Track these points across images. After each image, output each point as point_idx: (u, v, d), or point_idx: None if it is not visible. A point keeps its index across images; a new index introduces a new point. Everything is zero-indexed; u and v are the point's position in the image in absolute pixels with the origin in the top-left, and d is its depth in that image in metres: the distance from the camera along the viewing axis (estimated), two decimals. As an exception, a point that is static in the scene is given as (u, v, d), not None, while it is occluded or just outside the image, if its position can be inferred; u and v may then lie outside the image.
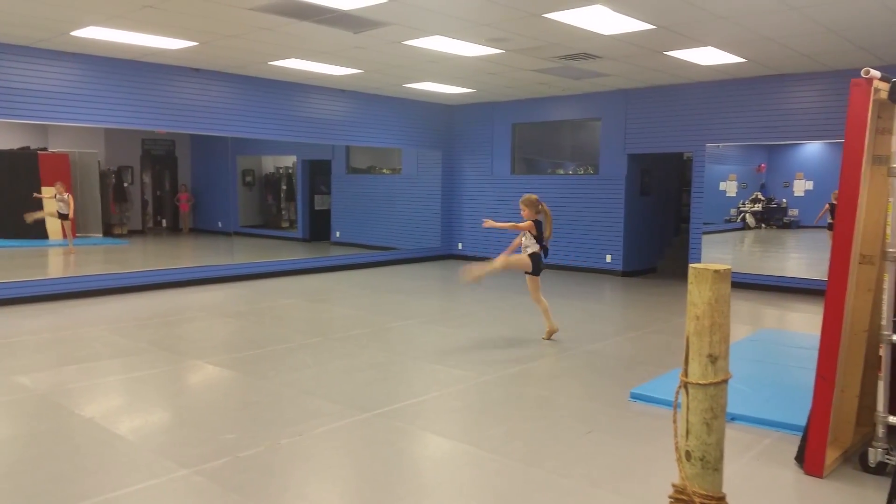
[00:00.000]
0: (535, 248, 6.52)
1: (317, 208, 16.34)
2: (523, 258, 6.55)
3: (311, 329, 7.33)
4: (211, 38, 7.92)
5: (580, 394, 5.10)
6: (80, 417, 4.37)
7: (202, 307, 8.43)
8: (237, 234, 17.20)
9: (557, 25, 7.01)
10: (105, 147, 16.88)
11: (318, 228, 16.08)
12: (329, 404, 4.70)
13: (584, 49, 8.15)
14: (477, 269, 6.53)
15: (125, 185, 17.16)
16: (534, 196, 6.59)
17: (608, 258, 11.60)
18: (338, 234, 15.52)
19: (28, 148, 15.39)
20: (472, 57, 8.63)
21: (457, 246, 13.82)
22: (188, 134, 17.16)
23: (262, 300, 8.95)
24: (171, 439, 4.06)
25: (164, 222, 18.32)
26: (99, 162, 16.18)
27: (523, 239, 6.64)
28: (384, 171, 15.25)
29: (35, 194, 12.27)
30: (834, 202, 10.38)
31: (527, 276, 6.66)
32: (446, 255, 13.81)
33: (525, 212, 6.55)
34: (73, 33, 7.66)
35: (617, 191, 11.47)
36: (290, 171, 17.19)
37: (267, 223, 17.89)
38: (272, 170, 17.99)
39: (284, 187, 17.48)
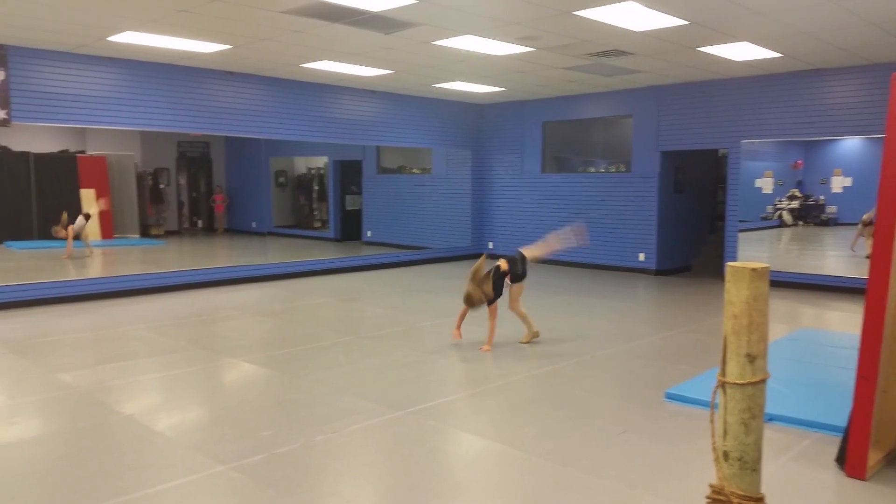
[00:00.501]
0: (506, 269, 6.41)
1: (348, 208, 16.46)
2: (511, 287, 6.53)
3: (343, 328, 7.39)
4: (244, 41, 8.03)
5: (614, 394, 5.06)
6: (119, 414, 4.47)
7: (237, 306, 8.55)
8: (271, 234, 17.42)
9: (589, 23, 6.96)
10: (141, 149, 17.23)
11: (350, 228, 16.20)
12: (362, 402, 4.73)
13: (616, 46, 8.08)
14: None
15: (161, 186, 17.49)
16: (475, 269, 6.25)
17: (641, 257, 11.48)
18: (369, 233, 15.62)
19: (67, 151, 15.77)
20: (503, 56, 8.62)
21: (487, 245, 13.80)
22: (222, 136, 17.45)
23: (296, 299, 9.05)
24: (208, 436, 4.14)
25: (199, 223, 18.63)
26: (136, 164, 16.52)
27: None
28: (414, 170, 15.30)
29: (86, 212, 12.47)
30: (867, 223, 10.10)
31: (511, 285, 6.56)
32: (477, 253, 13.76)
33: (477, 295, 6.21)
34: (110, 38, 7.82)
35: (650, 188, 11.34)
36: (322, 171, 17.34)
37: (299, 223, 18.07)
38: (304, 171, 18.17)
39: (316, 188, 17.64)
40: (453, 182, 13.98)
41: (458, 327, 6.44)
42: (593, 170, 12.86)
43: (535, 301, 8.89)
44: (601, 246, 11.94)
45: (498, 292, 6.28)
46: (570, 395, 4.97)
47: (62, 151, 15.67)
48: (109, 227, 15.38)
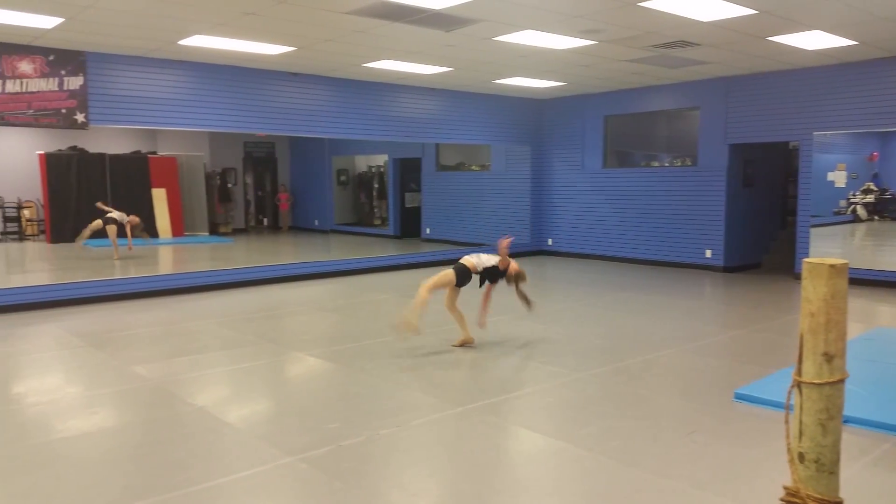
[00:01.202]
0: (483, 265, 6.03)
1: (407, 206, 16.59)
2: (449, 273, 6.01)
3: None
4: (308, 43, 8.19)
5: (681, 393, 4.96)
6: (191, 406, 4.63)
7: (302, 302, 8.74)
8: (332, 231, 17.72)
9: (654, 14, 6.81)
10: (210, 150, 17.78)
11: (409, 225, 16.34)
12: (425, 397, 4.77)
13: (682, 37, 7.89)
14: (409, 314, 5.89)
15: (229, 186, 18.02)
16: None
17: (708, 253, 11.18)
18: (428, 230, 15.70)
19: (139, 152, 16.42)
20: (564, 49, 8.53)
21: (546, 242, 13.70)
22: (287, 136, 17.85)
23: (358, 295, 9.18)
24: (276, 428, 4.25)
25: (265, 221, 19.11)
26: (204, 164, 17.06)
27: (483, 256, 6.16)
28: (473, 167, 15.30)
29: (98, 204, 12.24)
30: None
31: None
32: (536, 250, 13.71)
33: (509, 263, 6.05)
34: (181, 42, 8.10)
35: (717, 182, 11.03)
36: (382, 169, 17.54)
37: (360, 221, 18.33)
38: (365, 169, 18.41)
39: (376, 186, 17.86)
40: (512, 178, 13.91)
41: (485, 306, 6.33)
42: (657, 164, 12.59)
43: (595, 298, 8.79)
44: (665, 242, 11.70)
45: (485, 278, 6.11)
46: (634, 394, 4.89)
47: (135, 152, 16.32)
48: (180, 225, 15.94)
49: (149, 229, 15.34)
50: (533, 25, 7.35)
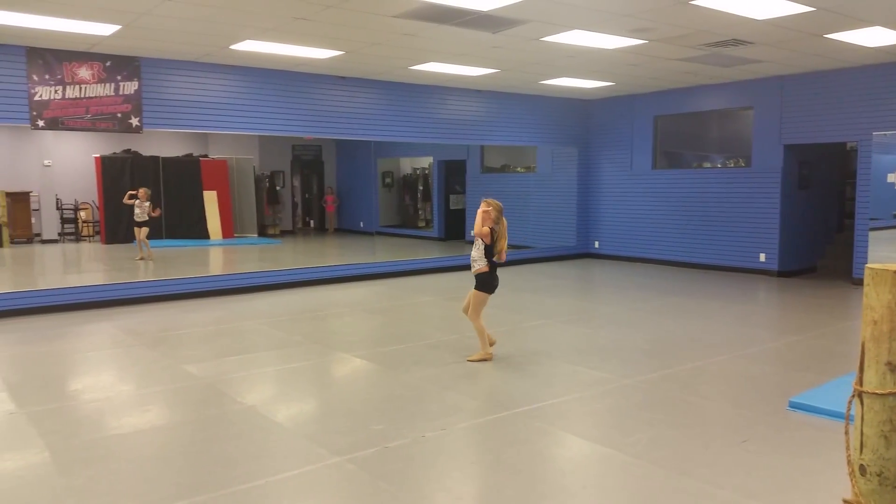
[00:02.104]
0: (482, 263, 5.73)
1: (452, 208, 16.61)
2: (472, 294, 5.76)
3: (448, 326, 7.46)
4: (357, 47, 8.27)
5: (733, 401, 4.83)
6: (241, 405, 4.71)
7: (347, 303, 8.82)
8: (377, 233, 17.86)
9: (706, 12, 6.67)
10: (259, 153, 18.12)
11: (454, 227, 16.35)
12: (470, 401, 4.75)
13: (735, 35, 7.71)
14: (482, 348, 5.80)
15: (277, 188, 18.32)
16: (500, 204, 5.79)
17: (762, 257, 10.89)
18: (472, 233, 15.67)
19: (191, 155, 16.82)
20: (613, 49, 8.42)
21: (593, 244, 13.53)
22: (333, 139, 18.07)
23: (402, 297, 9.22)
24: (323, 428, 4.29)
25: (311, 223, 19.37)
26: (254, 167, 17.38)
27: (473, 251, 5.84)
28: (518, 169, 15.24)
29: (127, 199, 12.30)
30: None
31: (473, 291, 5.80)
32: (583, 253, 13.56)
33: (486, 214, 5.66)
34: (233, 47, 8.26)
35: (772, 184, 10.74)
36: (427, 171, 17.59)
37: (404, 223, 18.43)
38: (409, 171, 18.50)
39: (421, 188, 17.92)
40: (558, 180, 13.80)
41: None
42: (709, 165, 12.33)
43: (644, 303, 8.64)
44: (717, 245, 11.44)
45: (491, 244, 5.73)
46: (684, 402, 4.79)
47: (187, 155, 16.73)
48: (230, 226, 16.27)
49: (200, 231, 15.74)
50: (581, 25, 7.28)
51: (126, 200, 12.23)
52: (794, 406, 4.57)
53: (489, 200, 5.76)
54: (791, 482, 3.48)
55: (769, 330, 7.43)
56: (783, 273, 10.73)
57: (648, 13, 6.77)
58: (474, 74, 10.22)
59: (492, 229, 5.70)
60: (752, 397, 4.87)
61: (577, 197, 13.50)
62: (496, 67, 9.70)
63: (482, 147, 15.34)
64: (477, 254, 5.78)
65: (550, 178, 13.99)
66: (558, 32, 7.57)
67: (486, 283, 5.76)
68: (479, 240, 5.73)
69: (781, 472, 3.61)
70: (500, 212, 5.76)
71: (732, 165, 11.63)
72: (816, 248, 11.48)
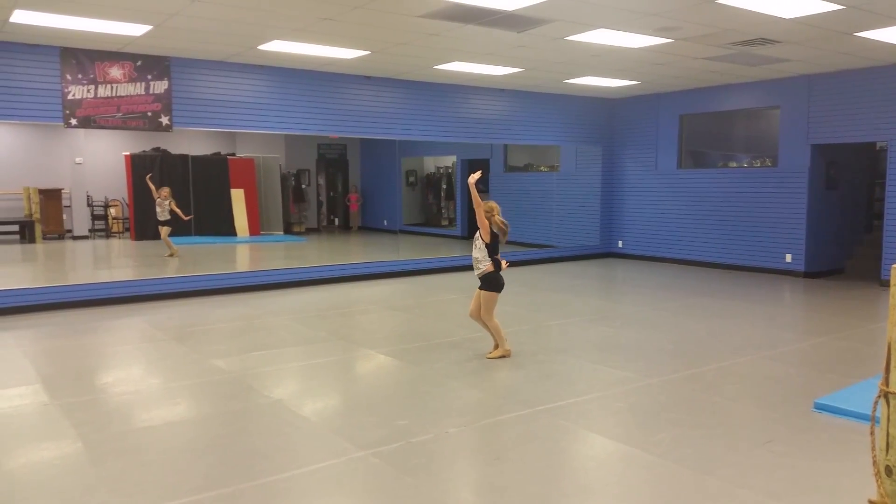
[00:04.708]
0: (487, 263, 5.67)
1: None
2: (482, 294, 5.72)
3: (471, 324, 7.46)
4: (382, 46, 8.33)
5: (757, 402, 4.81)
6: (268, 399, 4.79)
7: (372, 300, 8.90)
8: (401, 231, 17.95)
9: (733, 11, 6.63)
10: (285, 152, 18.30)
11: (476, 226, 16.32)
12: (492, 398, 4.79)
13: (762, 34, 7.64)
14: (501, 345, 5.81)
15: (303, 186, 18.49)
16: (495, 204, 5.75)
17: (788, 258, 10.77)
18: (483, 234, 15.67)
19: (219, 153, 17.03)
20: (638, 48, 8.39)
21: (617, 244, 13.48)
22: (358, 138, 18.19)
23: (426, 295, 9.28)
24: (348, 422, 4.35)
25: (336, 221, 19.52)
26: (280, 165, 17.56)
27: (475, 252, 5.76)
28: (541, 168, 15.21)
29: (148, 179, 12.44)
30: None
31: (481, 292, 5.74)
32: (606, 253, 13.51)
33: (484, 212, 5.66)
34: (260, 47, 8.37)
35: (799, 184, 10.62)
36: (450, 170, 17.64)
37: (427, 221, 18.49)
38: (433, 170, 18.56)
39: (444, 186, 17.97)
40: (582, 179, 13.76)
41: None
42: (735, 165, 12.22)
43: (668, 303, 8.61)
44: (742, 245, 11.34)
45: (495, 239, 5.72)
46: (708, 402, 4.78)
47: (215, 154, 16.94)
48: (257, 224, 16.47)
49: (228, 228, 15.94)
50: (606, 24, 7.27)
51: (147, 179, 12.45)
52: (820, 407, 4.54)
53: (489, 202, 5.80)
54: (816, 483, 3.47)
55: (795, 331, 7.36)
56: (810, 274, 10.60)
57: (674, 12, 6.74)
58: (498, 74, 10.24)
59: (492, 232, 5.67)
60: (777, 398, 4.84)
61: (601, 196, 13.45)
62: (520, 66, 9.71)
63: (506, 146, 15.34)
64: (480, 254, 5.72)
65: (574, 178, 13.96)
66: (583, 31, 7.57)
67: (494, 282, 5.73)
68: (480, 240, 5.69)
69: (806, 473, 3.60)
70: (491, 208, 5.73)
71: (759, 165, 11.52)
72: (844, 249, 11.32)
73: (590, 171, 13.60)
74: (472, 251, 5.89)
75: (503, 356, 5.82)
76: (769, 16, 6.79)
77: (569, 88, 11.87)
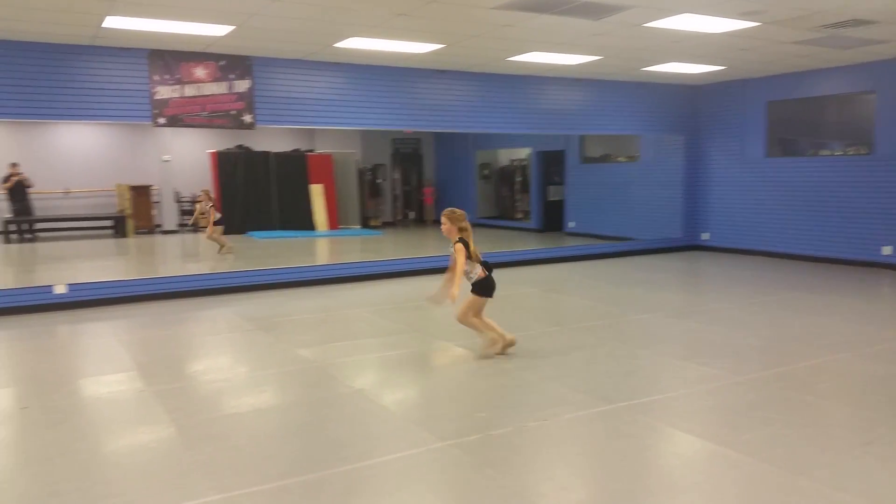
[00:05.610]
0: (479, 270, 5.48)
1: (550, 199, 16.44)
2: (471, 295, 5.54)
3: (548, 318, 7.42)
4: (456, 40, 8.33)
5: (854, 401, 4.56)
6: (350, 388, 4.88)
7: (447, 294, 8.92)
8: (475, 225, 17.94)
9: (825, -10, 6.29)
10: (362, 147, 18.59)
11: (552, 219, 16.18)
12: (572, 393, 4.72)
13: (855, 15, 7.21)
14: (489, 334, 5.64)
15: (379, 181, 18.74)
16: (460, 210, 5.56)
17: (886, 250, 10.15)
18: (571, 224, 15.48)
19: (298, 150, 17.47)
20: (722, 33, 8.07)
21: (701, 236, 13.04)
22: (431, 132, 18.29)
23: (501, 288, 9.12)
24: (428, 413, 4.39)
25: (411, 215, 19.71)
26: (356, 161, 17.86)
27: (462, 268, 5.50)
28: (620, 158, 14.88)
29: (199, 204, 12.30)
30: None
31: (471, 294, 5.54)
32: (689, 245, 13.09)
33: (448, 227, 5.46)
34: (337, 44, 8.51)
35: (896, 172, 10.01)
36: (525, 163, 17.49)
37: (502, 214, 18.42)
38: (507, 162, 18.46)
39: (518, 179, 17.85)
40: (663, 169, 13.37)
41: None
42: (827, 152, 11.61)
43: (757, 297, 8.28)
44: (836, 237, 10.78)
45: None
46: (801, 401, 4.56)
47: (294, 150, 17.39)
48: (335, 218, 16.82)
49: (308, 222, 16.33)
50: (688, 9, 7.02)
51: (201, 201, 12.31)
52: (926, 409, 4.27)
53: (448, 210, 5.56)
54: (922, 489, 3.27)
55: (894, 328, 6.94)
56: (911, 267, 9.98)
57: (762, -7, 6.45)
58: (574, 63, 10.06)
59: (462, 240, 5.43)
60: (876, 398, 4.58)
61: (684, 187, 13.03)
62: (597, 55, 9.51)
63: (582, 137, 15.08)
64: (468, 267, 5.48)
65: (654, 168, 13.58)
66: (664, 17, 7.34)
67: (486, 287, 5.53)
68: (458, 254, 5.43)
69: (911, 477, 3.39)
70: (458, 219, 5.49)
71: (853, 153, 10.90)
72: (950, 241, 10.60)
73: (671, 160, 13.20)
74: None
75: (496, 346, 5.59)
76: (866, -7, 6.41)
77: (648, 76, 11.55)
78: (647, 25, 7.67)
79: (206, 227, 12.23)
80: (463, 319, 5.59)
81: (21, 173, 14.93)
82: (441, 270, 10.44)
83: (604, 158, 15.24)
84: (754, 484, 3.34)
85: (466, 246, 5.43)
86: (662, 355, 5.71)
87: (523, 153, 17.50)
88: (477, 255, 5.53)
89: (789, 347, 5.90)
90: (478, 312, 5.61)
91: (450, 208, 5.62)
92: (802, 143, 12.15)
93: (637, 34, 8.12)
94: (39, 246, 13.92)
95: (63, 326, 7.19)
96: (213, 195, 12.52)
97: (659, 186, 13.41)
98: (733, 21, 7.50)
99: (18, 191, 14.95)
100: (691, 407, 4.49)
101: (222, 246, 11.97)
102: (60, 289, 8.01)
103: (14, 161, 14.97)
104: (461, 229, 5.48)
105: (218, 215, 12.03)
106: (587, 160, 15.35)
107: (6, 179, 14.80)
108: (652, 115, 12.52)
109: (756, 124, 11.94)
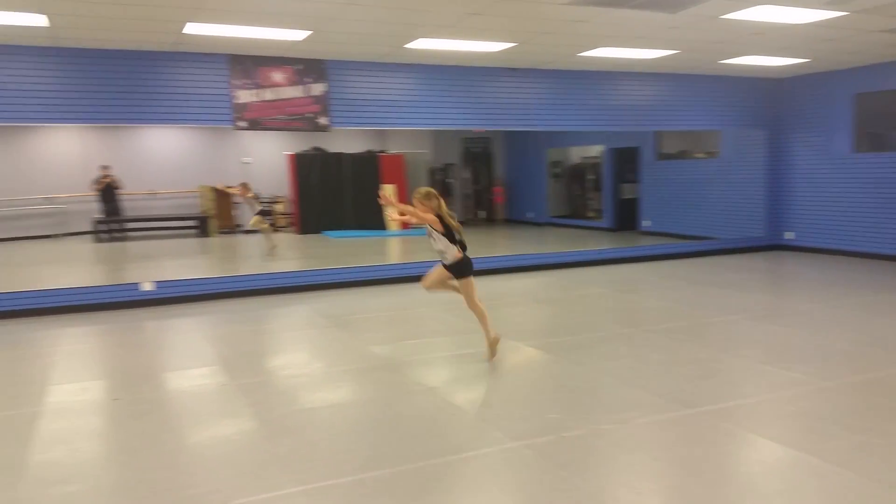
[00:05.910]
0: (454, 250, 5.39)
1: (623, 197, 16.12)
2: (461, 283, 5.52)
3: (622, 319, 7.28)
4: (527, 37, 8.28)
5: (954, 410, 4.29)
6: (423, 386, 4.94)
7: (517, 293, 8.89)
8: (546, 224, 17.78)
9: (922, -27, 5.93)
10: (432, 147, 18.71)
11: (625, 218, 15.86)
12: (648, 396, 4.62)
13: (958, -3, 6.77)
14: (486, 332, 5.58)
15: (449, 181, 18.83)
16: (431, 189, 5.41)
17: None
18: (646, 223, 15.14)
19: (370, 151, 17.74)
20: (806, 24, 7.73)
21: (784, 235, 12.51)
22: (501, 131, 18.24)
23: (572, 288, 9.13)
24: (500, 413, 4.38)
25: (482, 214, 19.71)
26: (427, 161, 17.99)
27: (437, 245, 5.41)
28: (698, 155, 14.44)
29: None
30: None
31: (460, 280, 5.51)
32: (772, 245, 12.57)
33: (421, 208, 5.30)
34: (408, 45, 8.60)
35: None
36: (597, 160, 17.21)
37: (573, 213, 18.18)
38: (578, 160, 18.21)
39: (590, 177, 17.57)
40: (744, 165, 12.89)
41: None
42: (921, 147, 10.95)
43: (845, 299, 7.90)
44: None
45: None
46: (892, 409, 4.32)
47: (367, 151, 17.67)
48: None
49: (380, 222, 16.57)
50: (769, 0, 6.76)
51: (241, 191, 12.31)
52: None
53: (418, 190, 5.44)
54: None
55: None
56: None
57: (852, -20, 6.14)
58: (648, 57, 9.83)
59: (438, 215, 5.31)
60: (981, 408, 4.29)
61: (766, 184, 12.52)
62: (674, 48, 9.26)
63: (656, 133, 14.72)
64: (442, 245, 5.39)
65: (735, 164, 13.11)
66: (743, 9, 7.08)
67: (466, 266, 5.50)
68: (435, 232, 5.34)
69: None
70: (429, 197, 5.33)
71: (953, 145, 10.24)
72: None
73: (752, 156, 12.70)
74: (435, 246, 5.49)
75: (493, 346, 5.52)
76: (969, -24, 6.01)
77: (727, 69, 11.16)
78: (724, 17, 7.42)
79: (279, 227, 12.47)
80: (473, 306, 5.57)
81: (111, 176, 15.74)
82: (511, 270, 10.48)
83: (681, 155, 14.83)
84: (841, 494, 3.19)
85: (442, 220, 5.31)
86: (744, 359, 5.51)
87: (595, 150, 17.22)
88: (458, 227, 5.47)
89: (879, 352, 5.60)
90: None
91: (420, 188, 5.48)
92: (893, 137, 11.49)
93: (715, 26, 7.86)
94: (128, 245, 14.64)
95: (150, 322, 7.54)
96: (250, 186, 12.46)
97: (740, 183, 12.93)
98: (817, 11, 7.17)
99: (108, 192, 15.77)
100: (774, 413, 4.32)
101: (273, 246, 12.01)
102: (148, 286, 8.41)
103: (105, 164, 15.79)
104: (431, 208, 5.32)
105: (259, 206, 12.13)
106: (663, 157, 14.97)
107: (97, 182, 15.64)
108: (731, 109, 12.09)
109: (842, 118, 11.37)
